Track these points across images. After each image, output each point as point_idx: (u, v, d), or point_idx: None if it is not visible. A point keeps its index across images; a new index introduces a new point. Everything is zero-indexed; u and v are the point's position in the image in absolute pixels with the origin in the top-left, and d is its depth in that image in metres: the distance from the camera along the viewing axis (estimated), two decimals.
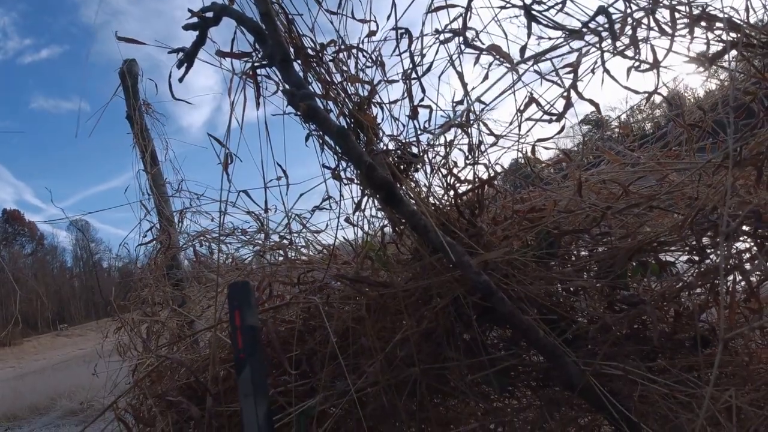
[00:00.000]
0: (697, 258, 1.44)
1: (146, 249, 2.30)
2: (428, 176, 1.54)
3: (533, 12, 1.25)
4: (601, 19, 1.29)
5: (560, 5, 1.26)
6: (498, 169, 1.54)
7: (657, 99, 1.68)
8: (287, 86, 1.39)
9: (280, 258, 1.80)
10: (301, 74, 1.51)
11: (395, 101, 1.53)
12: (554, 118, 1.35)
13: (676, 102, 1.60)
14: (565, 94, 1.39)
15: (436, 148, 1.54)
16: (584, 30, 1.24)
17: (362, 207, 1.46)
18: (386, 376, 1.40)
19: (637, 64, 1.31)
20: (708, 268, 1.39)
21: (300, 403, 1.55)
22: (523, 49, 1.30)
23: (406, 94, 1.49)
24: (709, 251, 1.44)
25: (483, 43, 1.39)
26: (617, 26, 1.32)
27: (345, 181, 1.62)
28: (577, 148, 1.57)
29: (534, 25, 1.26)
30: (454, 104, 1.53)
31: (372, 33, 1.52)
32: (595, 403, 1.47)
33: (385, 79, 1.53)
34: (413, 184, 1.57)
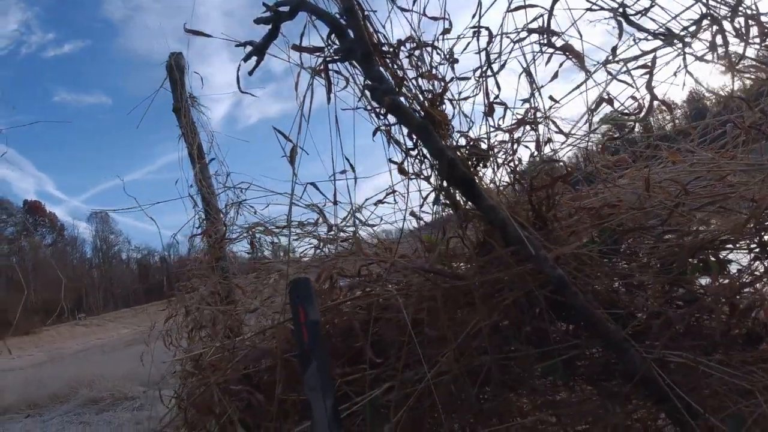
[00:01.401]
0: (762, 255, 1.45)
1: (194, 241, 2.29)
2: (496, 172, 1.54)
3: (626, 14, 1.25)
4: (683, 23, 1.29)
5: (646, 9, 1.26)
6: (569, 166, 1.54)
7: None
8: (367, 81, 1.39)
9: (342, 250, 1.80)
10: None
11: (466, 98, 1.53)
12: (636, 117, 1.35)
13: (735, 103, 1.60)
14: (638, 94, 1.39)
15: (503, 145, 1.54)
16: (673, 34, 1.24)
17: (439, 201, 1.46)
18: (459, 365, 1.39)
19: (715, 66, 1.31)
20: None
21: (366, 392, 1.55)
22: (614, 50, 1.30)
23: (478, 91, 1.50)
24: None
25: (561, 42, 1.39)
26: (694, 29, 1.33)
27: (411, 175, 1.62)
28: (640, 146, 1.56)
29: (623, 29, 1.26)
30: (524, 102, 1.54)
31: (446, 31, 1.52)
32: (657, 394, 1.47)
33: (458, 76, 1.53)
34: (479, 180, 1.57)
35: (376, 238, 1.84)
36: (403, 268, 1.53)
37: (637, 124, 1.62)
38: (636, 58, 1.33)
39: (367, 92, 1.40)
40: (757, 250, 1.45)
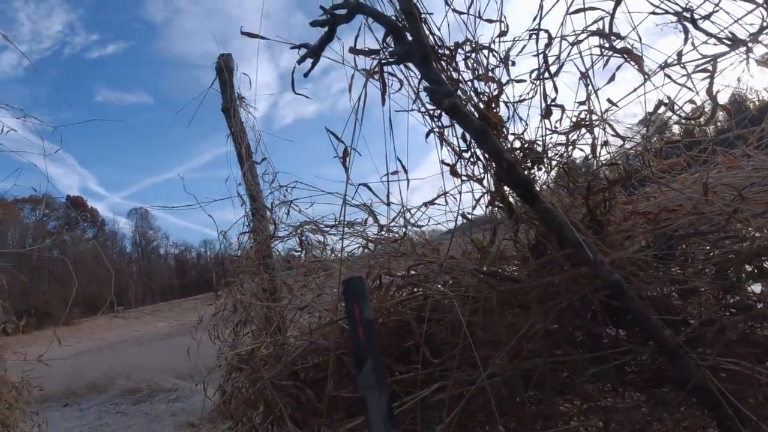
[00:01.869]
0: None
1: (243, 239, 2.34)
2: (550, 175, 1.53)
3: (694, 18, 1.23)
4: (747, 27, 1.27)
5: (710, 13, 1.24)
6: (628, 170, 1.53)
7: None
8: (425, 83, 1.40)
9: (391, 250, 1.82)
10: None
11: (522, 100, 1.53)
12: (697, 121, 1.34)
13: None
14: (697, 97, 1.38)
15: (558, 148, 1.54)
16: (737, 39, 1.22)
17: (494, 204, 1.46)
18: (511, 367, 1.40)
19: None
20: None
21: (417, 391, 1.56)
22: (680, 54, 1.29)
23: (533, 93, 1.49)
24: None
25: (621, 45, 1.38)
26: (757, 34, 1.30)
27: (464, 177, 1.63)
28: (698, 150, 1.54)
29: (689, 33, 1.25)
30: (578, 104, 1.53)
31: (503, 33, 1.52)
32: (710, 402, 1.45)
33: (513, 78, 1.53)
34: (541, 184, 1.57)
35: (425, 238, 1.85)
36: (455, 270, 1.54)
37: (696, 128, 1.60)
38: (698, 62, 1.32)
39: (425, 94, 1.41)
40: None
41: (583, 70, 1.49)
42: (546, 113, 1.47)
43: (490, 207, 1.51)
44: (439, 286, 1.59)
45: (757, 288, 1.63)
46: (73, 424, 6.34)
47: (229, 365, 2.08)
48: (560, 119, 1.50)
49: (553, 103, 1.48)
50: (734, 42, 1.23)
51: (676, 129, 1.77)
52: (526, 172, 1.53)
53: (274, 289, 2.32)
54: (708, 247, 1.56)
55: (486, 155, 1.41)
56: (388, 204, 1.64)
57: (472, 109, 1.53)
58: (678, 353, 1.40)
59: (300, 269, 2.12)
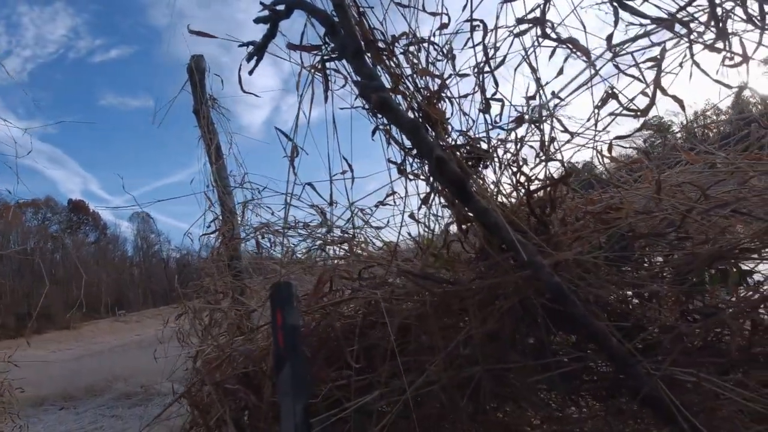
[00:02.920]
0: None
1: (208, 239, 2.31)
2: (497, 173, 1.46)
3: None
4: (690, 9, 1.19)
5: None
6: (571, 167, 1.45)
7: (723, 105, 1.56)
8: (358, 78, 1.35)
9: (342, 252, 1.76)
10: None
11: (465, 95, 1.46)
12: (638, 113, 1.26)
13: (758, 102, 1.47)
14: (648, 89, 1.30)
15: (506, 145, 1.47)
16: (676, 18, 1.14)
17: (429, 202, 1.40)
18: (447, 375, 1.33)
19: (726, 57, 1.20)
20: None
21: (358, 398, 1.50)
22: (609, 38, 1.21)
23: (477, 88, 1.43)
24: None
25: (560, 36, 1.31)
26: (705, 17, 1.23)
27: (410, 176, 1.57)
28: (654, 147, 1.46)
29: (619, 15, 1.17)
30: (527, 99, 1.46)
31: (444, 26, 1.46)
32: (665, 415, 1.36)
33: (456, 72, 1.46)
34: (481, 181, 1.50)
35: (381, 239, 1.80)
36: (398, 273, 1.47)
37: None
38: (642, 49, 1.24)
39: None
40: None
41: (532, 63, 1.43)
42: (485, 107, 1.40)
43: (424, 205, 1.44)
44: (381, 291, 1.53)
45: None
46: (68, 427, 6.38)
47: (190, 369, 2.05)
48: (507, 115, 1.43)
49: (492, 97, 1.41)
50: (670, 23, 1.15)
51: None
52: (472, 171, 1.46)
53: (242, 291, 2.28)
54: (668, 249, 1.47)
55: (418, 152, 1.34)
56: (331, 204, 1.59)
57: (415, 106, 1.48)
58: (627, 361, 1.32)
59: (250, 271, 2.07)
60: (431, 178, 1.40)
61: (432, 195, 1.40)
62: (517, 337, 1.41)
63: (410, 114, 1.50)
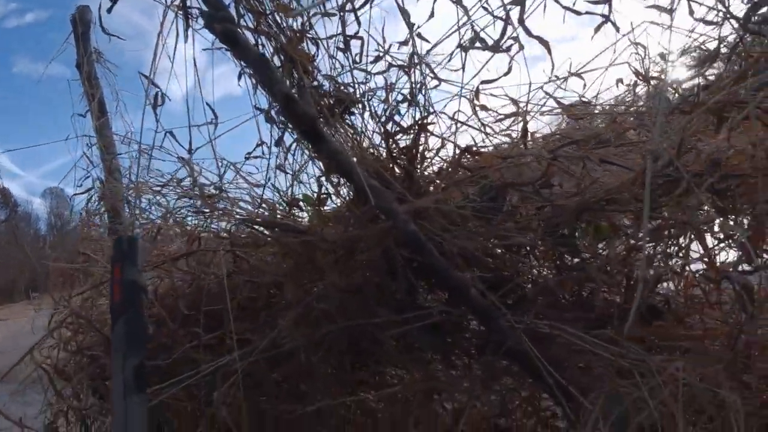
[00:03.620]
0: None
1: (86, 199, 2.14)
2: (364, 120, 1.38)
3: None
4: None
5: None
6: (441, 115, 1.38)
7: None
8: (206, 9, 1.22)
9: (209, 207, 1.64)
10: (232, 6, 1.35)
11: (331, 36, 1.36)
12: (490, 45, 1.19)
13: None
14: (509, 26, 1.23)
15: (375, 91, 1.38)
16: None
17: (283, 143, 1.30)
18: (300, 332, 1.24)
19: None
20: (659, 226, 1.24)
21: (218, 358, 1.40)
22: None
23: (339, 28, 1.33)
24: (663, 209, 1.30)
25: None
26: None
27: (280, 124, 1.46)
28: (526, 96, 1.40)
29: None
30: (399, 44, 1.37)
31: None
32: (532, 371, 1.33)
33: (323, 12, 1.36)
34: (351, 130, 1.41)
35: (253, 193, 1.68)
36: (243, 222, 1.37)
37: None
38: None
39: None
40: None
41: (400, 6, 1.34)
42: (345, 46, 1.31)
43: (276, 147, 1.34)
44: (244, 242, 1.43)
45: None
46: None
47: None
48: (360, 53, 1.33)
49: (354, 36, 1.31)
50: None
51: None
52: (340, 117, 1.37)
53: None
54: (540, 201, 1.43)
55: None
56: (190, 151, 1.47)
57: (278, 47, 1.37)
58: (490, 314, 1.27)
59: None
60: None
61: (283, 136, 1.30)
62: (386, 293, 1.34)
63: (276, 58, 1.39)
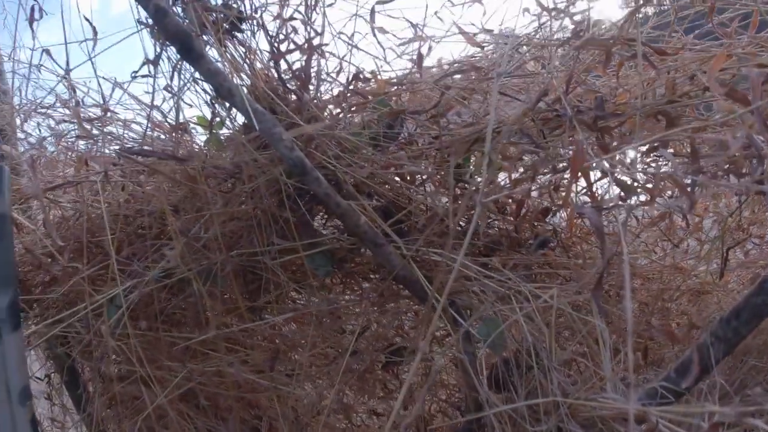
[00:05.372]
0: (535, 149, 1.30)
1: None
2: (256, 39, 1.28)
3: None
4: None
5: None
6: (337, 36, 1.30)
7: None
8: None
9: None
10: None
11: None
12: None
13: None
14: None
15: (266, 6, 1.27)
16: None
17: (158, 62, 1.19)
18: (185, 261, 1.20)
19: None
20: (540, 159, 1.25)
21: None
22: None
23: None
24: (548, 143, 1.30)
25: None
26: None
27: (165, 42, 1.33)
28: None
29: None
30: None
31: None
32: (420, 295, 1.35)
33: None
34: (242, 48, 1.31)
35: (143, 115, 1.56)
36: (118, 152, 1.27)
37: None
38: None
39: None
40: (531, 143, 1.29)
41: None
42: None
43: (148, 65, 1.23)
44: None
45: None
46: None
47: None
48: None
49: None
50: None
51: None
52: (225, 35, 1.26)
53: None
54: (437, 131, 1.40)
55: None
56: (68, 71, 1.33)
57: None
58: (376, 241, 1.27)
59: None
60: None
61: (161, 54, 1.19)
62: (279, 221, 1.30)
63: None
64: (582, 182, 1.33)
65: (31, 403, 1.22)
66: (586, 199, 1.36)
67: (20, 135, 1.71)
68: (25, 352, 1.23)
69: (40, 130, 1.71)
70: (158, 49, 1.16)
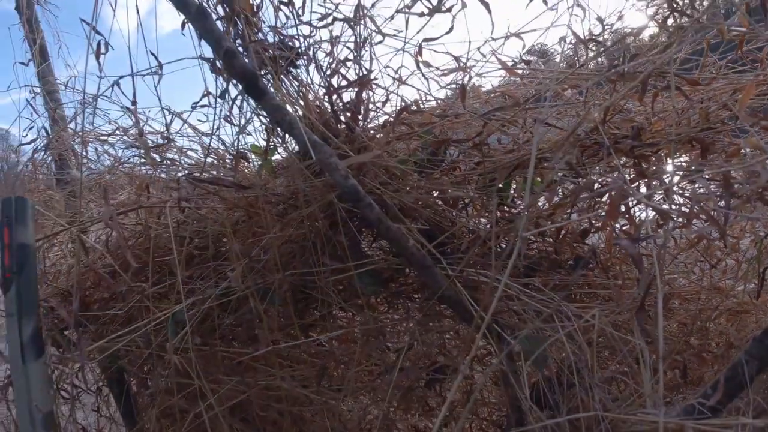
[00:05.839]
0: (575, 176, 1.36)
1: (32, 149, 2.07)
2: (309, 74, 1.37)
3: None
4: None
5: None
6: (385, 70, 1.38)
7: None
8: None
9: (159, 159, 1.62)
10: None
11: None
12: (431, 8, 1.19)
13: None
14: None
15: (320, 45, 1.37)
16: None
17: (228, 95, 1.28)
18: (246, 282, 1.28)
19: None
20: (580, 186, 1.31)
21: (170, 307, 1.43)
22: None
23: None
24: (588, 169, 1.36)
25: None
26: None
27: (224, 76, 1.43)
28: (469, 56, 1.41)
29: None
30: None
31: None
32: (464, 314, 1.41)
33: None
34: (296, 83, 1.40)
35: (203, 144, 1.67)
36: (188, 179, 1.37)
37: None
38: None
39: None
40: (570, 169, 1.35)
41: None
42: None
43: (221, 99, 1.33)
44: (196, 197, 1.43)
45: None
46: None
47: None
48: (303, 5, 1.31)
49: None
50: None
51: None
52: (283, 71, 1.36)
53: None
54: (479, 156, 1.47)
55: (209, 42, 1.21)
56: (134, 102, 1.44)
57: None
58: (424, 264, 1.33)
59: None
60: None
61: (227, 89, 1.29)
62: (330, 243, 1.38)
63: (219, 8, 1.35)
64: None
65: (55, 430, 1.30)
66: (624, 221, 1.42)
67: (80, 160, 1.82)
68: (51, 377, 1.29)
69: (98, 156, 1.81)
70: (224, 85, 1.25)
